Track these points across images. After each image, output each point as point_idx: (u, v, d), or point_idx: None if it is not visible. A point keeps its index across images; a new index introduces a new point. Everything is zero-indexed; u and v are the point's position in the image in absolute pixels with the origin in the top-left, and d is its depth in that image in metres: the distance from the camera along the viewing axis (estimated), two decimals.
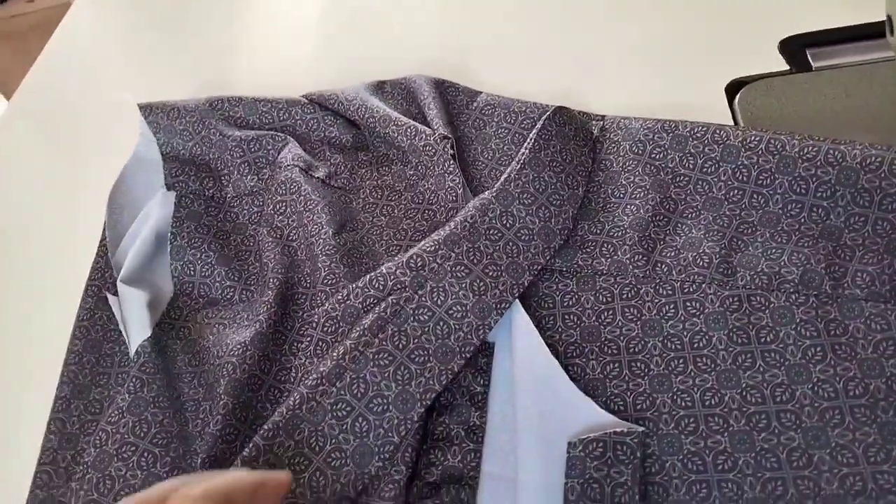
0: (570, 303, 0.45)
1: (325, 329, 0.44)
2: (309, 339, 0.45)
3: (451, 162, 0.50)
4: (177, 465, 0.41)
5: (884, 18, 0.44)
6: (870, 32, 0.53)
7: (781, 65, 0.54)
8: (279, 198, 0.51)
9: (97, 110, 0.67)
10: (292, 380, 0.44)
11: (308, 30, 0.70)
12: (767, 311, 0.42)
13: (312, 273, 0.48)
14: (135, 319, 0.46)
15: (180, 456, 0.42)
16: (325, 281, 0.47)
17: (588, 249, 0.47)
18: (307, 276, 0.48)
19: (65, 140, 0.66)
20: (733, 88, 0.53)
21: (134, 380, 0.43)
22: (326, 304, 0.45)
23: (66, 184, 0.62)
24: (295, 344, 0.46)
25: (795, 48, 0.55)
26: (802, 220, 0.44)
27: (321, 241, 0.48)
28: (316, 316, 0.45)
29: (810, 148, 0.44)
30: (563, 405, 0.40)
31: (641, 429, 0.39)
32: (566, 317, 0.45)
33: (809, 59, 0.54)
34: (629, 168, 0.48)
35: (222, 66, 0.68)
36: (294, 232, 0.50)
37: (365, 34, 0.68)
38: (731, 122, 0.52)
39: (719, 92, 0.53)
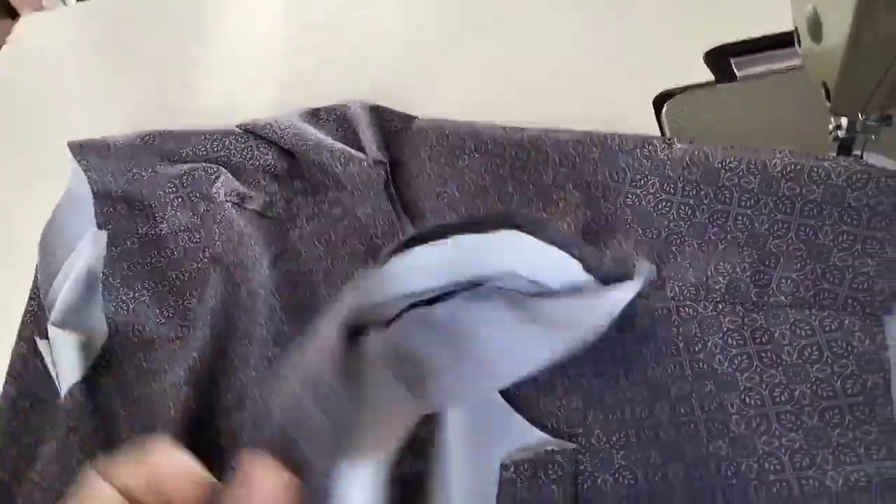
0: None
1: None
2: (242, 379, 0.44)
3: (386, 188, 0.51)
4: None
5: None
6: (793, 39, 0.54)
7: (708, 75, 0.55)
8: (217, 235, 0.51)
9: (33, 147, 0.67)
10: (227, 416, 0.44)
11: (263, 48, 0.70)
12: (695, 322, 0.42)
13: (252, 309, 0.48)
14: (66, 363, 0.45)
15: None
16: (262, 312, 0.46)
17: None
18: (248, 312, 0.48)
19: None
20: (660, 100, 0.54)
21: (62, 426, 0.43)
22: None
23: None
24: (232, 381, 0.45)
25: (720, 58, 0.56)
26: (728, 229, 0.44)
27: (258, 274, 0.48)
28: (251, 361, 0.45)
29: (732, 158, 0.44)
30: (496, 424, 0.40)
31: (573, 446, 0.39)
32: None
33: (734, 68, 0.55)
34: (559, 183, 0.49)
35: (171, 92, 0.68)
36: (234, 268, 0.50)
37: (319, 52, 0.68)
38: (659, 134, 0.52)
39: (647, 104, 0.54)
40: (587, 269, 0.40)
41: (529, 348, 0.39)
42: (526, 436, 0.39)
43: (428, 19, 0.68)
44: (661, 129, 0.53)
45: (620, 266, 0.41)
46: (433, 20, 0.68)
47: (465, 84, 0.61)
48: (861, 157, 0.44)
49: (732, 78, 0.55)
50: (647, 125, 0.53)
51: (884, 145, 0.43)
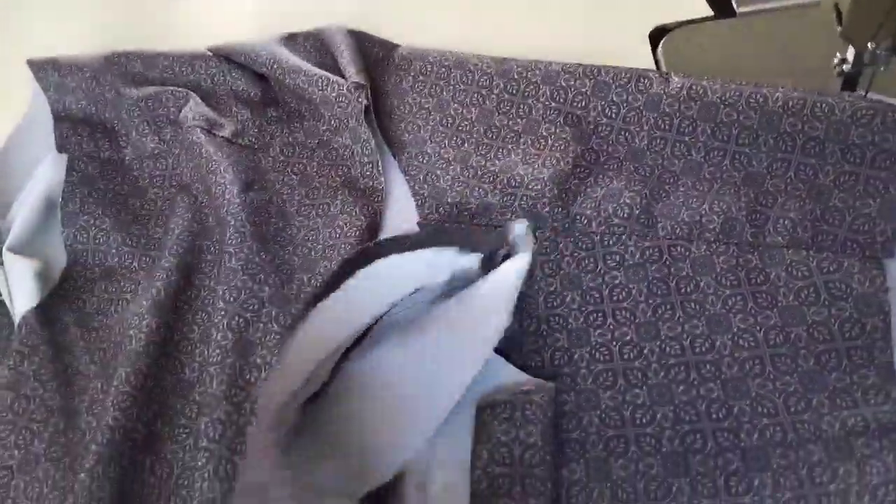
0: None
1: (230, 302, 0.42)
2: (209, 311, 0.42)
3: (367, 114, 0.48)
4: (55, 440, 0.39)
5: None
6: None
7: (707, 10, 0.53)
8: (184, 162, 0.48)
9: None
10: (192, 350, 0.41)
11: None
12: (688, 261, 0.40)
13: (220, 239, 0.45)
14: (21, 289, 0.43)
15: (60, 430, 0.39)
16: (231, 241, 0.44)
17: (507, 203, 0.45)
18: (216, 242, 0.46)
19: None
20: (657, 35, 0.52)
21: (15, 354, 0.41)
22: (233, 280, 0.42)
23: None
24: (199, 314, 0.43)
25: None
26: (725, 168, 0.42)
27: (226, 201, 0.45)
28: (220, 290, 0.42)
29: (732, 93, 0.42)
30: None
31: (551, 385, 0.37)
32: None
33: (734, 3, 0.52)
34: (549, 118, 0.46)
35: (142, 13, 0.64)
36: (202, 197, 0.47)
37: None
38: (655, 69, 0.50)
39: (644, 38, 0.52)
40: (461, 249, 0.41)
41: (446, 369, 0.37)
42: (506, 375, 0.37)
43: None
44: (657, 64, 0.50)
45: (494, 236, 0.41)
46: None
47: (452, 14, 0.58)
48: (866, 94, 0.42)
49: (731, 14, 0.52)
50: (642, 60, 0.50)
51: (893, 74, 0.41)
